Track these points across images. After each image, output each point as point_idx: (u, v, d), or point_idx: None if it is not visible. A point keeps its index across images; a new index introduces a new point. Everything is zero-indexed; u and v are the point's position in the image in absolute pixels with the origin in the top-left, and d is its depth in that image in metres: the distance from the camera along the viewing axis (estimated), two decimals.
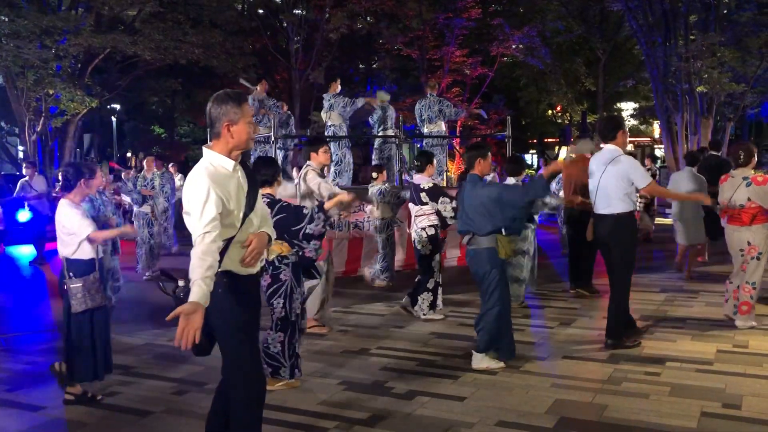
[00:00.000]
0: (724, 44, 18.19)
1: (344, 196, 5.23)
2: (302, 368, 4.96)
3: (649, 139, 35.50)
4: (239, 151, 3.07)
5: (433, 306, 6.86)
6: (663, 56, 19.28)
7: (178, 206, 11.42)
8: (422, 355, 5.58)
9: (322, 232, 4.68)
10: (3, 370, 5.50)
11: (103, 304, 4.75)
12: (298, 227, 4.59)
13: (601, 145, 5.82)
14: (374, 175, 8.75)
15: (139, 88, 23.72)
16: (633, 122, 35.11)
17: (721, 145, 11.00)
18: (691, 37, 18.81)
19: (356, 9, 22.64)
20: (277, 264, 4.78)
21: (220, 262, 2.99)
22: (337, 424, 4.13)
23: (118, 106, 24.87)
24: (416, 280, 6.98)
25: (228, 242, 3.04)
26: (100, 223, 5.38)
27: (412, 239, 7.02)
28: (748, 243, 6.09)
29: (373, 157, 10.90)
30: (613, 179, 5.53)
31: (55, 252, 5.35)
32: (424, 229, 6.82)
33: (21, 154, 21.45)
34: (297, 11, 22.99)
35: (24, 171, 11.71)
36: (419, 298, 6.87)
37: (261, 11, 24.57)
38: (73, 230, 4.63)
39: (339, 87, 10.86)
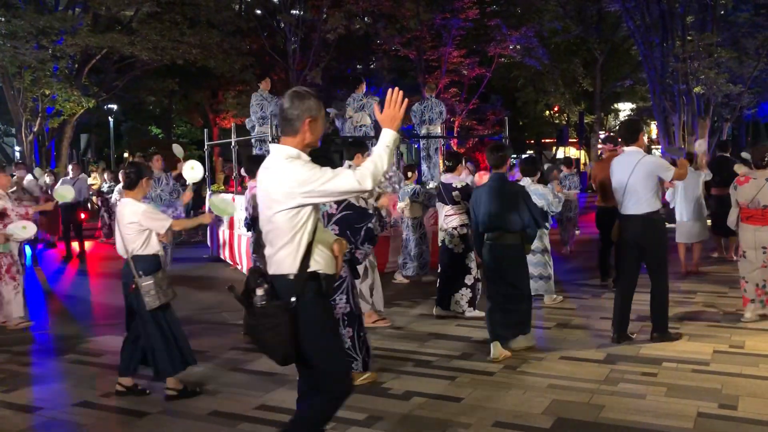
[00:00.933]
0: (721, 45, 18.22)
1: (390, 196, 5.39)
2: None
3: (646, 139, 35.59)
4: (310, 148, 3.09)
5: (472, 303, 6.89)
6: (660, 57, 19.31)
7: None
8: (419, 356, 5.58)
9: (378, 233, 4.80)
10: (2, 371, 5.49)
11: (174, 297, 4.80)
12: (362, 225, 4.70)
13: (624, 148, 5.97)
14: (408, 174, 8.97)
15: (136, 88, 23.67)
16: None
17: (729, 145, 11.10)
18: (689, 37, 18.84)
19: (354, 9, 22.62)
20: None
21: (307, 264, 2.97)
22: (333, 425, 4.12)
23: (115, 107, 24.81)
24: (439, 281, 7.02)
25: (311, 241, 3.02)
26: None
27: (441, 238, 7.03)
28: None
29: None
30: (642, 179, 5.65)
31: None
32: (455, 228, 6.85)
33: (18, 155, 21.39)
34: (294, 12, 22.99)
35: (15, 172, 11.41)
36: (456, 296, 6.90)
37: (258, 12, 24.54)
38: (149, 225, 4.67)
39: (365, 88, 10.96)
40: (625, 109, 34.50)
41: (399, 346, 5.92)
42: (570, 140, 31.20)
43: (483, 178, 7.25)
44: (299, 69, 22.91)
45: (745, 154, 9.16)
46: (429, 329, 6.47)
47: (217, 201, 5.60)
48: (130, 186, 4.87)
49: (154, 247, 4.74)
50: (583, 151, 30.62)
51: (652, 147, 33.87)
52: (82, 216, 12.74)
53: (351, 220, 4.73)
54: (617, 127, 34.44)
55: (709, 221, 9.49)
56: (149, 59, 18.84)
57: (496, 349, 5.41)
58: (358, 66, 28.31)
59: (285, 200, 2.93)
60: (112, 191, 13.38)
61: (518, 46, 23.97)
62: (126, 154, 31.32)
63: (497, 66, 24.48)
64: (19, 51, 16.12)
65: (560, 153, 34.02)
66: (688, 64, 18.15)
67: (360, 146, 6.46)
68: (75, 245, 11.99)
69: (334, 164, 5.88)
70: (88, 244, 12.69)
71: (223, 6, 22.34)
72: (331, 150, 10.05)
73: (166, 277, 4.76)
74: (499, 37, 23.01)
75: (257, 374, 5.13)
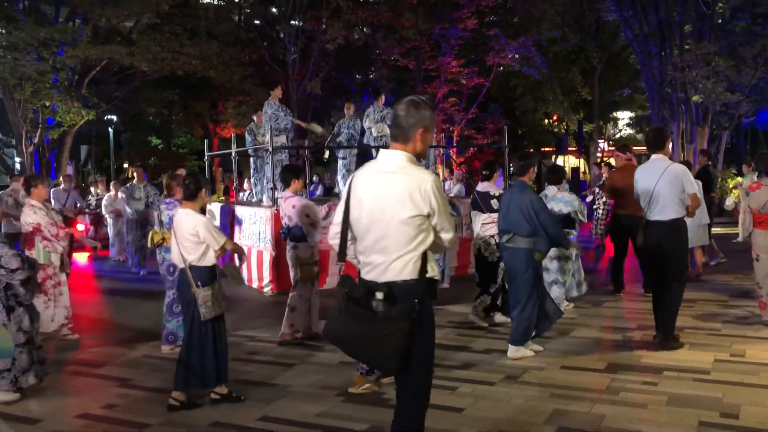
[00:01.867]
0: (719, 54, 18.31)
1: None
2: (308, 379, 4.95)
3: (645, 148, 35.60)
4: (419, 157, 3.10)
5: (491, 309, 6.96)
6: (658, 66, 19.39)
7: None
8: None
9: None
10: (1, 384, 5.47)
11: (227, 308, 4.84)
12: None
13: (653, 156, 6.02)
14: None
15: (136, 99, 23.76)
16: (629, 131, 35.25)
17: (711, 154, 11.21)
18: (686, 46, 18.92)
19: (353, 20, 22.74)
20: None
21: (425, 269, 2.98)
22: None
23: (115, 117, 24.87)
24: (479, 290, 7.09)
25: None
26: None
27: (476, 246, 7.04)
28: None
29: None
30: (668, 186, 5.75)
31: None
32: (492, 236, 6.83)
33: (18, 166, 21.44)
34: (294, 22, 23.09)
35: (10, 183, 11.26)
36: (475, 301, 7.02)
37: (258, 22, 24.68)
38: (206, 239, 4.69)
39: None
40: (623, 117, 34.53)
41: None
42: (569, 149, 31.23)
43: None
44: (299, 79, 23.02)
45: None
46: None
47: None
48: (189, 197, 4.88)
49: (210, 260, 4.76)
50: (582, 160, 30.63)
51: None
52: (80, 228, 12.64)
53: None
54: (618, 136, 34.58)
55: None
56: (149, 70, 18.93)
57: (510, 351, 5.70)
58: (357, 76, 28.43)
59: (418, 208, 2.90)
60: (100, 203, 13.31)
61: (517, 56, 24.02)
62: (126, 165, 31.38)
63: (496, 75, 24.55)
64: (19, 62, 16.19)
65: (560, 161, 34.05)
66: (686, 73, 18.22)
67: None
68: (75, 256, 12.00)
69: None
70: (78, 256, 12.74)
71: (222, 17, 22.51)
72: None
73: (222, 288, 4.79)
74: (497, 46, 23.09)
75: (259, 385, 5.13)
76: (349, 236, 3.14)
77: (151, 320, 7.67)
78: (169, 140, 31.15)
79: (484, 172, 7.22)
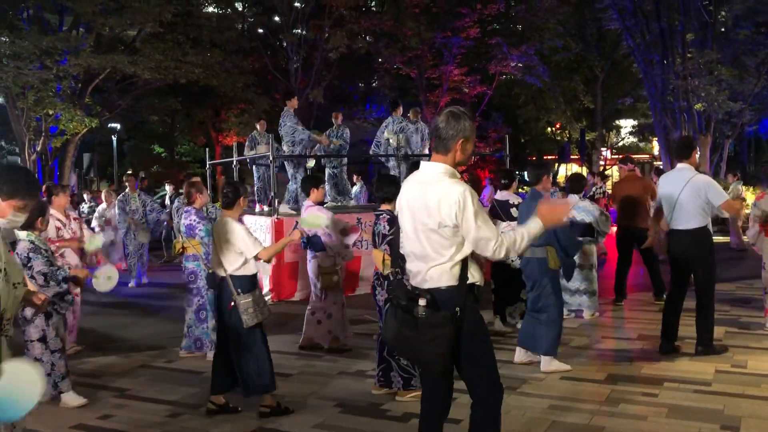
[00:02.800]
0: (722, 62, 18.28)
1: None
2: (306, 389, 4.93)
3: (648, 156, 35.60)
4: (459, 166, 3.16)
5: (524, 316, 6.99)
6: (660, 74, 19.38)
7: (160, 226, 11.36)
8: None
9: None
10: None
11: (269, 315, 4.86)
12: None
13: (678, 165, 6.02)
14: None
15: (139, 107, 23.82)
16: (632, 139, 35.23)
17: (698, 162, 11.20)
18: (689, 55, 18.91)
19: (355, 29, 22.80)
20: (392, 279, 4.90)
21: (466, 276, 3.06)
22: None
23: (118, 125, 24.93)
24: (494, 296, 7.09)
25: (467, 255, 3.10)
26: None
27: None
28: None
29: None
30: (693, 196, 5.74)
31: None
32: None
33: None
34: (296, 31, 23.16)
35: None
36: (509, 308, 7.06)
37: (261, 31, 24.75)
38: (241, 249, 4.69)
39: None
40: (626, 125, 34.54)
41: None
42: (571, 157, 31.24)
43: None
44: (301, 88, 23.07)
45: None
46: None
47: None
48: (228, 205, 4.90)
49: (251, 268, 4.75)
50: (584, 168, 30.62)
51: (654, 163, 34.00)
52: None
53: (399, 245, 4.74)
54: (620, 144, 34.55)
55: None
56: (152, 78, 18.98)
57: (517, 354, 5.70)
58: (359, 84, 28.49)
59: (445, 217, 2.99)
60: (93, 212, 13.14)
61: (519, 64, 24.05)
62: (129, 172, 31.43)
63: (498, 84, 24.59)
64: (22, 71, 16.25)
65: (562, 170, 34.04)
66: (689, 81, 18.20)
67: (416, 166, 6.55)
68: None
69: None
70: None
71: (225, 26, 22.56)
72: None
73: (263, 295, 4.79)
74: (500, 55, 23.13)
75: (254, 395, 5.08)
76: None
77: (149, 330, 7.67)
78: (172, 148, 31.20)
79: (503, 181, 7.26)
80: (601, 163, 29.33)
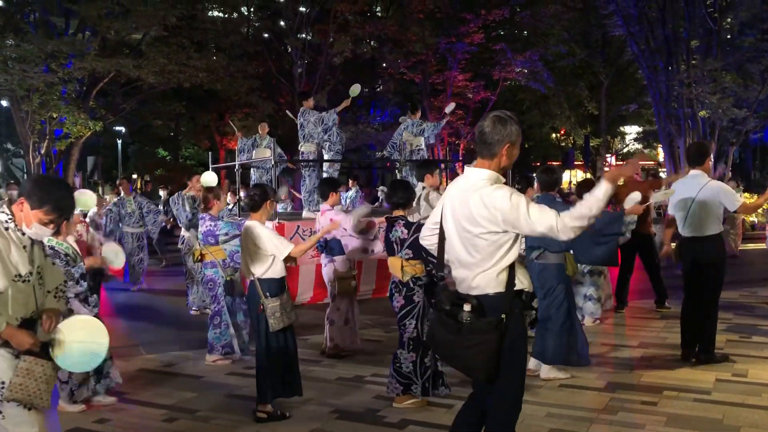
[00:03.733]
0: (726, 69, 18.23)
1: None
2: (303, 395, 4.91)
3: (653, 162, 35.55)
4: (504, 171, 3.14)
5: (533, 324, 6.95)
6: (665, 81, 19.34)
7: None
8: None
9: None
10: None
11: (296, 319, 4.86)
12: None
13: (692, 172, 6.00)
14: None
15: (143, 111, 23.87)
16: (637, 146, 35.16)
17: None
18: (693, 61, 18.87)
19: (360, 34, 22.82)
20: (411, 285, 4.86)
21: (513, 282, 3.01)
22: None
23: (122, 129, 25.01)
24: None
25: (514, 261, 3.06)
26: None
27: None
28: None
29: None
30: (706, 203, 5.74)
31: None
32: (524, 249, 6.84)
33: (25, 176, 21.56)
34: (301, 36, 23.20)
35: (7, 191, 11.18)
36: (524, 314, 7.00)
37: (265, 35, 24.79)
38: (271, 251, 4.68)
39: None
40: (631, 132, 34.49)
41: None
42: (576, 163, 31.20)
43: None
44: (305, 92, 23.06)
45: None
46: None
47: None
48: (254, 208, 4.88)
49: (278, 271, 4.75)
50: (589, 174, 30.57)
51: (659, 170, 33.96)
52: None
53: None
54: (625, 150, 34.46)
55: None
56: (156, 82, 19.01)
57: (542, 371, 5.58)
58: (364, 89, 28.48)
59: (489, 225, 2.95)
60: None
61: (524, 70, 24.03)
62: (134, 176, 31.52)
63: (502, 89, 24.55)
64: (27, 74, 16.28)
65: (566, 176, 33.98)
66: (693, 88, 18.16)
67: (428, 167, 6.69)
68: None
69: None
70: None
71: (230, 30, 22.60)
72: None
73: (290, 299, 4.80)
74: (504, 60, 23.11)
75: (252, 401, 5.06)
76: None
77: (145, 335, 7.66)
78: (176, 152, 31.27)
79: (517, 186, 7.22)
80: (606, 169, 29.25)
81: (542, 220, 2.87)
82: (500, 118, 3.04)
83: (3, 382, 2.98)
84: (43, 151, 18.53)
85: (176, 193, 9.54)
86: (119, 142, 25.41)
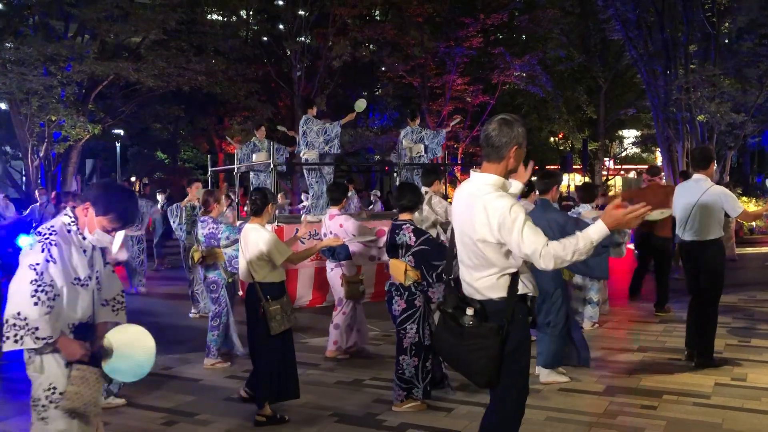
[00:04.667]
0: (725, 74, 18.25)
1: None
2: (302, 399, 4.92)
3: (647, 166, 35.64)
4: (511, 174, 3.13)
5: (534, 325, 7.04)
6: (663, 85, 19.36)
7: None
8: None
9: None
10: None
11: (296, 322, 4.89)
12: (438, 263, 4.67)
13: (695, 176, 6.03)
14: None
15: (142, 114, 23.85)
16: (635, 150, 35.21)
17: (689, 174, 11.23)
18: (692, 66, 18.89)
19: (359, 37, 22.86)
20: (413, 290, 4.87)
21: (516, 287, 2.98)
22: None
23: (121, 132, 24.98)
24: None
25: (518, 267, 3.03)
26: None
27: None
28: None
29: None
30: (708, 207, 5.76)
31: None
32: None
33: (25, 179, 21.54)
34: (300, 39, 23.23)
35: (39, 196, 11.13)
36: None
37: (264, 39, 24.81)
38: (271, 255, 4.70)
39: None
40: (629, 136, 34.53)
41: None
42: (574, 167, 31.23)
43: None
44: (304, 95, 23.11)
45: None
46: None
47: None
48: (256, 212, 4.92)
49: (278, 276, 4.78)
50: (587, 178, 30.60)
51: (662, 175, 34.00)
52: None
53: (428, 256, 4.72)
54: (623, 154, 34.48)
55: None
56: (155, 86, 19.01)
57: (542, 375, 5.55)
58: (363, 93, 28.51)
59: (486, 233, 2.94)
60: None
61: (522, 74, 24.06)
62: (133, 179, 31.47)
63: (501, 93, 24.58)
64: (26, 77, 16.28)
65: (564, 179, 34.01)
66: (691, 93, 18.18)
67: (437, 173, 6.72)
68: None
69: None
70: None
71: (229, 33, 22.62)
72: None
73: (290, 302, 4.82)
74: (502, 65, 23.14)
75: (251, 404, 5.06)
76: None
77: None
78: (175, 155, 31.24)
79: (526, 190, 7.23)
80: (604, 173, 29.30)
81: (531, 242, 2.81)
82: (506, 121, 3.04)
83: (54, 387, 2.99)
84: (42, 154, 18.53)
85: (174, 205, 9.49)
86: (118, 145, 25.33)
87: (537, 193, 7.24)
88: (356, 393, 5.39)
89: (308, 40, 23.45)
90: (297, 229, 8.98)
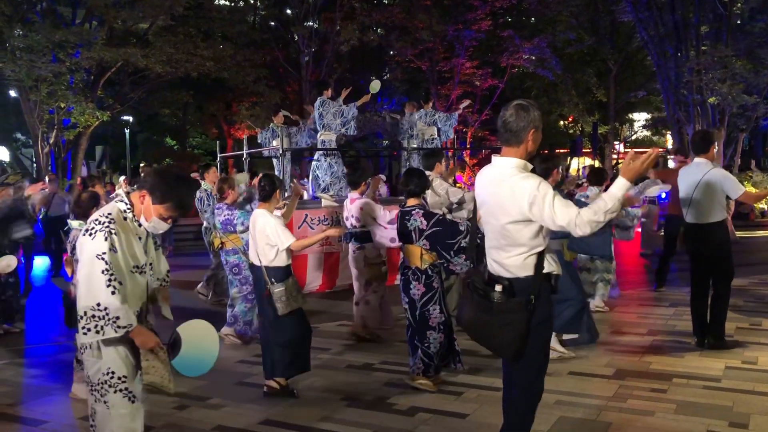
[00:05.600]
0: (737, 55, 18.05)
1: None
2: (313, 382, 4.96)
3: (662, 149, 35.36)
4: (530, 156, 3.19)
5: None
6: (674, 67, 19.17)
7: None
8: None
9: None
10: (8, 384, 5.51)
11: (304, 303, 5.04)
12: (453, 241, 4.73)
13: (696, 159, 6.05)
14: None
15: (150, 100, 23.90)
16: (645, 133, 34.95)
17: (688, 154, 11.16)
18: (703, 47, 18.68)
19: (367, 21, 22.72)
20: (429, 273, 4.96)
21: (542, 266, 3.11)
22: None
23: (130, 118, 25.04)
24: None
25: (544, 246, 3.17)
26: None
27: None
28: None
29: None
30: (708, 190, 5.77)
31: None
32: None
33: (34, 165, 21.67)
34: (308, 24, 23.13)
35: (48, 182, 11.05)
36: None
37: (272, 24, 24.73)
38: (274, 241, 4.86)
39: None
40: (639, 119, 34.25)
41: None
42: (584, 150, 31.05)
43: None
44: (312, 80, 23.04)
45: None
46: None
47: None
48: (264, 198, 5.06)
49: (284, 260, 4.92)
50: (597, 162, 30.44)
51: (668, 157, 33.78)
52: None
53: (441, 237, 4.78)
54: (634, 137, 34.25)
55: None
56: (164, 72, 19.04)
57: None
58: (371, 77, 28.39)
59: (516, 214, 3.04)
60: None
61: (531, 57, 23.88)
62: (142, 164, 31.58)
63: (510, 77, 24.43)
64: (35, 64, 16.33)
65: (574, 163, 33.86)
66: (702, 75, 18.00)
67: (437, 156, 6.77)
68: None
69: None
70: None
71: (237, 19, 22.56)
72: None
73: (296, 283, 4.96)
74: (511, 48, 22.98)
75: (262, 388, 5.10)
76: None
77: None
78: (183, 141, 31.30)
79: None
80: (614, 156, 29.11)
81: (564, 213, 2.94)
82: (522, 106, 3.12)
83: (113, 372, 3.01)
84: (51, 141, 18.63)
85: (205, 192, 9.17)
86: (127, 131, 25.40)
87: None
88: (366, 377, 5.43)
89: (316, 25, 23.35)
90: (306, 214, 9.01)
